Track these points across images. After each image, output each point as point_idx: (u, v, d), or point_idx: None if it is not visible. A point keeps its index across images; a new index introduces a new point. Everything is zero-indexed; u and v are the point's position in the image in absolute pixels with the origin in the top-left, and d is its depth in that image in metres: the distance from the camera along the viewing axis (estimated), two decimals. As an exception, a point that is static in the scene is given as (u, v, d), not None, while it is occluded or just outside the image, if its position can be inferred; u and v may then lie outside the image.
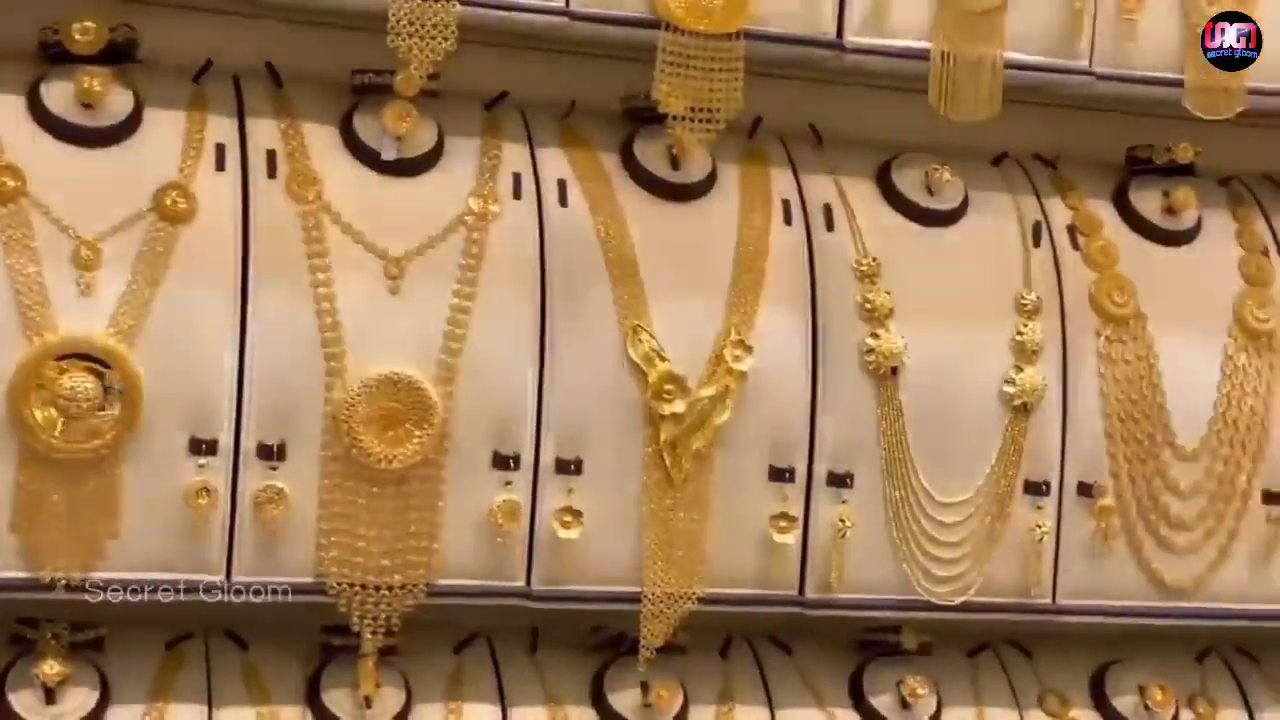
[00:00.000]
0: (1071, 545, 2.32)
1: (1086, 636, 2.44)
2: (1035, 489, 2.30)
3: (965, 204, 2.37)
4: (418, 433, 2.05)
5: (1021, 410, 2.29)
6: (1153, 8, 2.34)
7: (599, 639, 2.25)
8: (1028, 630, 2.42)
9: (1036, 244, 2.38)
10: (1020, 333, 2.31)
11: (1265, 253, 2.47)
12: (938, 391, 2.27)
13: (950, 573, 2.28)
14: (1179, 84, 2.35)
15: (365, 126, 2.12)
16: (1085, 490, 2.32)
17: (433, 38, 2.05)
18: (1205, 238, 2.46)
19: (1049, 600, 2.32)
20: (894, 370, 2.25)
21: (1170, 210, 2.43)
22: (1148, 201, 2.44)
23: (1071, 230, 2.41)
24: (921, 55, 2.25)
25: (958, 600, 2.27)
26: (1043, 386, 2.30)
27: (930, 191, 2.34)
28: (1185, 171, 2.44)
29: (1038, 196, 2.43)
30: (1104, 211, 2.44)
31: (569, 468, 2.12)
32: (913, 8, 2.25)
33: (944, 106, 2.25)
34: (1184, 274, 2.42)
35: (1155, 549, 2.35)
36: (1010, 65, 2.27)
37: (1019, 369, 2.30)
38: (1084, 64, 2.33)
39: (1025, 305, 2.32)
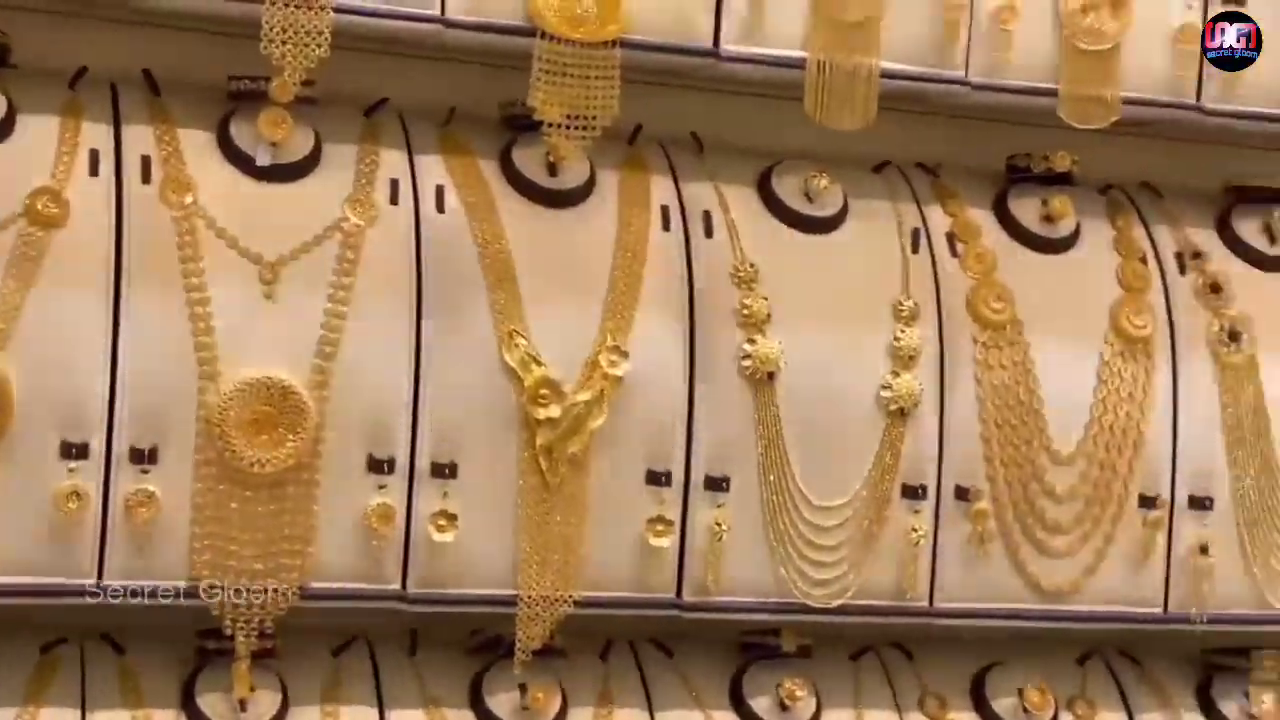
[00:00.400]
0: (948, 549, 2.35)
1: (969, 639, 2.47)
2: (912, 493, 2.33)
3: (845, 211, 2.39)
4: (291, 437, 2.06)
5: (899, 415, 2.32)
6: (1028, 18, 2.37)
7: (477, 642, 2.27)
8: (910, 633, 2.45)
9: (915, 251, 2.41)
10: (898, 338, 2.34)
11: (1143, 260, 2.50)
12: (815, 396, 2.30)
13: (828, 576, 2.30)
14: (1054, 94, 2.39)
15: (241, 133, 2.13)
16: (962, 494, 2.35)
17: (306, 45, 2.06)
18: (1083, 245, 2.50)
19: (926, 603, 2.35)
20: (771, 375, 2.27)
21: (1048, 218, 2.47)
22: (1026, 209, 2.48)
23: (950, 237, 2.44)
24: (798, 64, 2.28)
25: (835, 603, 2.30)
26: (919, 392, 2.33)
27: (809, 199, 2.37)
28: (1064, 180, 2.48)
29: (918, 204, 2.47)
30: (983, 219, 2.48)
31: (444, 471, 2.14)
32: (788, 17, 2.28)
33: (820, 115, 2.28)
34: (1061, 281, 2.46)
35: (1032, 552, 2.38)
36: (886, 75, 2.30)
37: (896, 374, 2.32)
38: (959, 74, 2.36)
39: (903, 311, 2.35)
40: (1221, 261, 2.54)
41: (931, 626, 2.37)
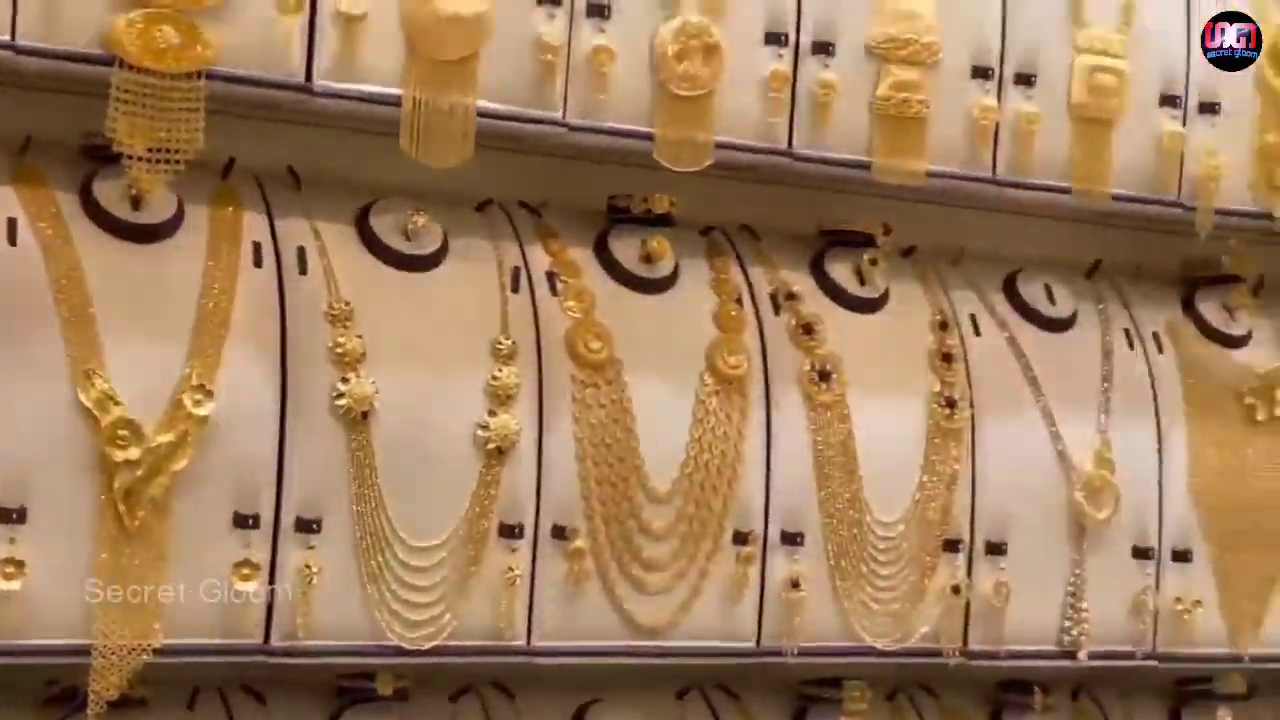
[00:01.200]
0: (546, 587, 2.36)
1: (568, 677, 2.48)
2: (509, 532, 2.33)
3: (444, 249, 2.38)
4: None
5: (496, 454, 2.32)
6: (624, 62, 2.40)
7: (52, 694, 2.17)
8: (509, 672, 2.44)
9: (515, 290, 2.42)
10: (495, 377, 2.33)
11: (739, 301, 2.55)
12: (411, 436, 2.28)
13: (423, 617, 2.28)
14: (651, 136, 2.42)
15: None
16: (559, 533, 2.36)
17: None
18: (682, 286, 2.53)
19: (524, 642, 2.35)
20: (365, 415, 2.24)
21: (648, 258, 2.50)
22: (626, 250, 2.51)
23: (551, 276, 2.46)
24: (394, 101, 2.26)
25: (429, 645, 2.27)
26: (517, 431, 2.33)
27: (408, 237, 2.36)
28: (664, 221, 2.52)
29: (519, 242, 2.47)
30: (584, 258, 2.50)
31: (11, 516, 2.04)
32: (384, 53, 2.26)
33: (416, 152, 2.27)
34: (660, 321, 2.49)
35: (629, 590, 2.40)
36: (483, 114, 2.30)
37: (493, 413, 2.32)
38: (556, 114, 2.38)
39: (501, 350, 2.35)
40: (814, 303, 2.61)
41: (530, 665, 2.37)
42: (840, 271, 2.65)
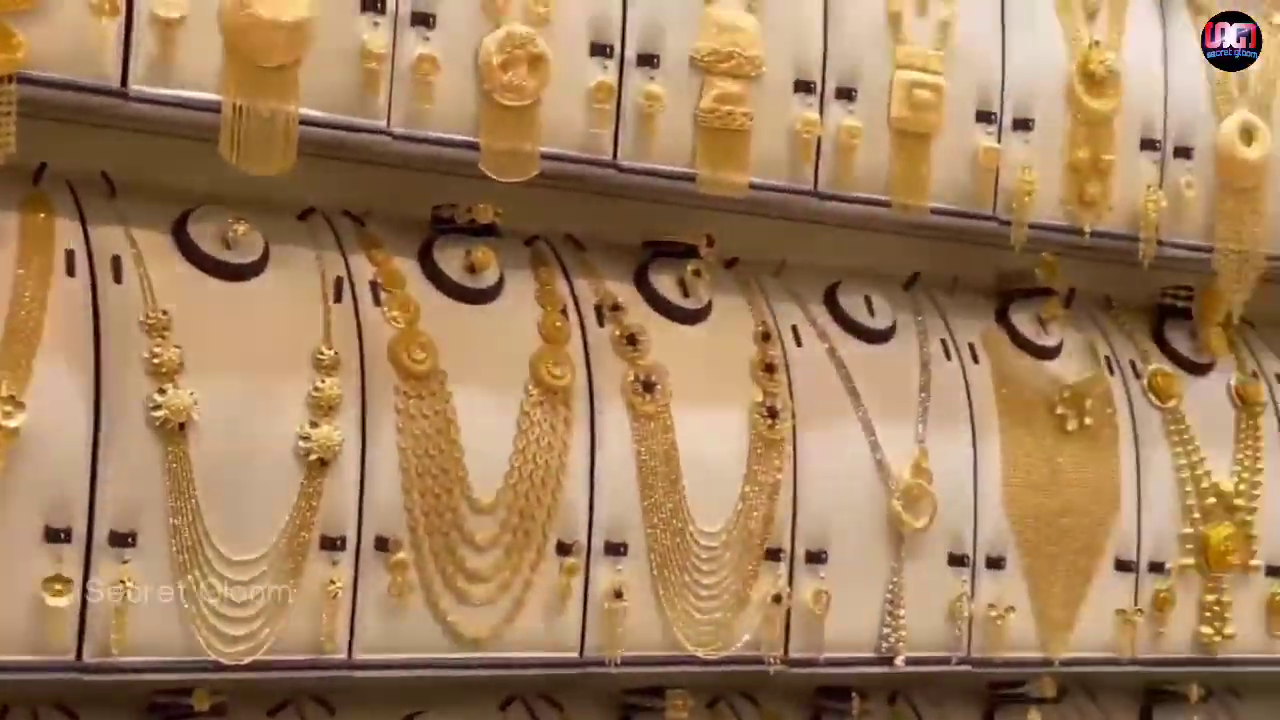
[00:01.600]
0: (368, 600, 2.33)
1: (392, 690, 2.46)
2: (331, 544, 2.30)
3: (265, 258, 2.35)
4: None
5: (318, 466, 2.29)
6: (449, 71, 2.39)
7: None
8: (331, 686, 2.41)
9: (338, 299, 2.39)
10: (318, 388, 2.31)
11: (564, 311, 2.56)
12: (230, 448, 2.24)
13: (242, 632, 2.24)
14: (476, 146, 2.41)
15: None
16: (382, 545, 2.34)
17: None
18: (506, 296, 2.53)
19: (345, 656, 2.32)
20: (182, 426, 2.20)
21: (472, 269, 2.49)
22: (451, 260, 2.50)
23: (375, 286, 2.44)
24: (213, 107, 2.23)
25: (248, 660, 2.24)
26: (339, 442, 2.30)
27: (228, 245, 2.32)
28: (489, 231, 2.51)
29: (343, 252, 2.45)
30: (409, 268, 2.48)
31: None
32: (203, 58, 2.23)
33: (236, 159, 2.24)
34: (484, 332, 2.48)
35: (452, 601, 2.39)
36: (306, 121, 2.28)
37: (315, 424, 2.29)
38: (381, 123, 2.36)
39: (323, 361, 2.33)
40: (638, 313, 2.62)
41: (351, 679, 2.35)
42: (664, 282, 2.66)
